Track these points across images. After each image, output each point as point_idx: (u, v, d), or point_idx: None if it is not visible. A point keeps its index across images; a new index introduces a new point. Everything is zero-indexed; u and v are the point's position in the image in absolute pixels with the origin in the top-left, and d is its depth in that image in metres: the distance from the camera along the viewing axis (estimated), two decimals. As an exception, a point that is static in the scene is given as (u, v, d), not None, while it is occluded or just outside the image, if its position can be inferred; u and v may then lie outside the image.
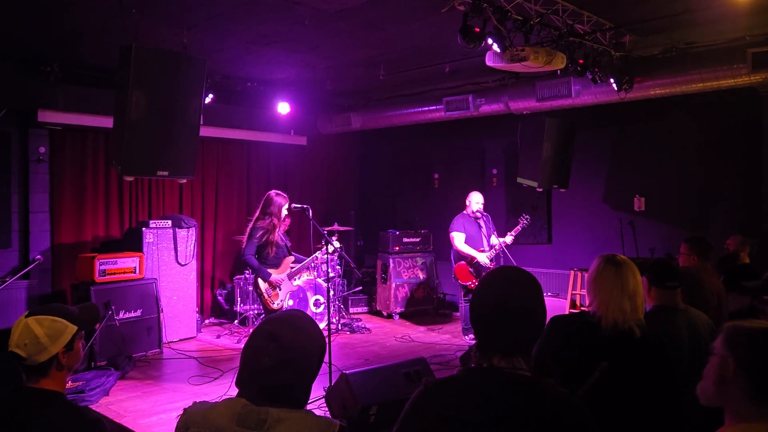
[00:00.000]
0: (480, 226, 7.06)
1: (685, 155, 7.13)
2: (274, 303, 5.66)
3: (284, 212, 5.64)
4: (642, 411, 2.27)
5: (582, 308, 7.31)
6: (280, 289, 5.69)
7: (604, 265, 2.47)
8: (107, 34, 5.55)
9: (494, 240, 6.98)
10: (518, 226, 6.98)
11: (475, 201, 7.06)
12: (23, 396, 1.94)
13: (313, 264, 6.49)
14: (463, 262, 7.00)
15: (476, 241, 7.01)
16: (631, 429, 2.25)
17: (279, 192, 5.66)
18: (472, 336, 6.90)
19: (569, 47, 5.32)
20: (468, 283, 6.97)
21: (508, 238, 6.93)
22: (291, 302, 7.41)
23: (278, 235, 5.62)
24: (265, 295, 5.56)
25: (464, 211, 7.14)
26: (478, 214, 7.03)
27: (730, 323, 1.63)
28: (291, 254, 5.89)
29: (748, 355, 1.52)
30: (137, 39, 4.74)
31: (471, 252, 6.90)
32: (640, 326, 2.38)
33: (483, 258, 6.87)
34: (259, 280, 5.56)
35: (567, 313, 7.22)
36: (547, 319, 1.76)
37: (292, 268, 5.86)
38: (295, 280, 5.99)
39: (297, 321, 1.67)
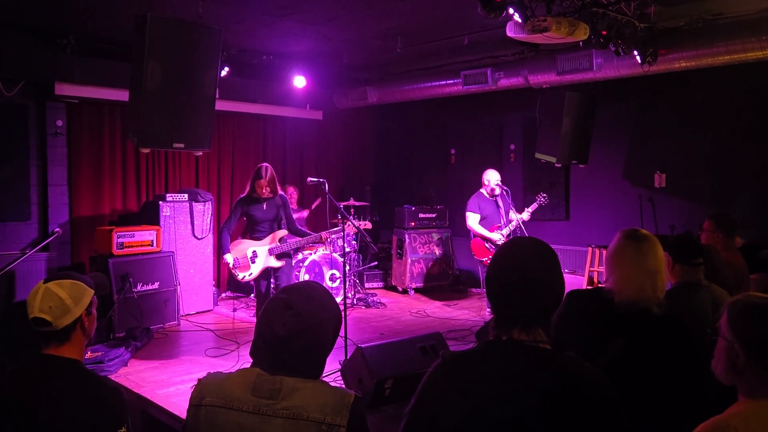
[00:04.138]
0: (498, 205, 6.93)
1: (708, 130, 6.96)
2: (239, 275, 5.50)
3: (259, 190, 5.46)
4: (661, 390, 2.23)
5: (599, 285, 7.24)
6: (253, 263, 5.49)
7: (625, 241, 2.39)
8: (123, 4, 5.50)
9: (513, 215, 6.90)
10: (535, 204, 6.89)
11: (494, 179, 6.86)
12: (42, 364, 1.95)
13: (311, 244, 6.17)
14: (479, 238, 6.98)
15: (493, 220, 6.91)
16: (650, 408, 2.22)
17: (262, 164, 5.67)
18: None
19: (592, 18, 5.18)
20: (484, 259, 6.93)
21: (525, 215, 6.84)
22: (307, 276, 7.43)
23: (263, 206, 5.54)
24: (230, 265, 5.48)
25: (481, 190, 6.98)
26: (497, 191, 6.87)
27: (732, 299, 1.61)
28: (285, 228, 5.69)
29: (753, 338, 1.50)
30: (152, 9, 4.69)
31: (484, 233, 6.84)
32: (660, 305, 2.31)
33: (497, 236, 6.81)
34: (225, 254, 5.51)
35: (584, 288, 7.18)
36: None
37: (280, 241, 5.61)
38: (277, 255, 5.60)
39: (313, 291, 1.66)
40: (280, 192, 5.71)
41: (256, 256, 5.54)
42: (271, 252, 5.56)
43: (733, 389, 1.56)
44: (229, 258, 5.48)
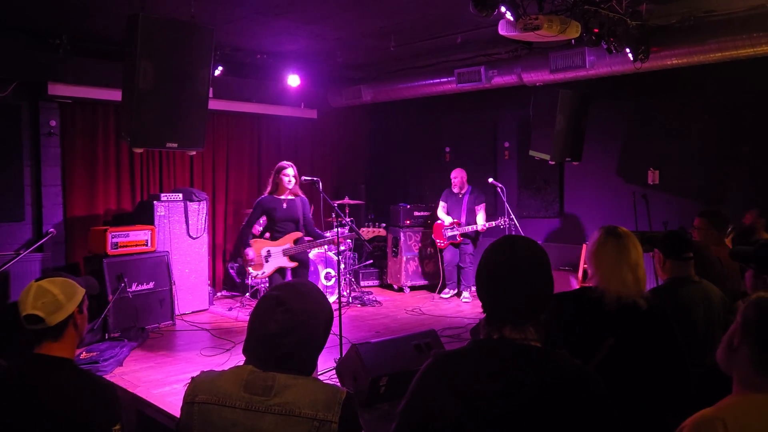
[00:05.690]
0: (462, 202, 7.86)
1: (701, 127, 6.99)
2: (252, 272, 5.56)
3: (285, 180, 5.53)
4: (651, 383, 2.25)
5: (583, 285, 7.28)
6: (267, 261, 5.54)
7: (605, 238, 2.43)
8: (116, 4, 5.49)
9: (479, 217, 7.74)
10: (493, 222, 7.57)
11: (461, 178, 7.95)
12: (35, 364, 1.95)
13: (324, 246, 6.35)
14: (439, 222, 8.08)
15: (453, 213, 7.98)
16: (641, 402, 2.23)
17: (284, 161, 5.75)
18: (446, 291, 7.90)
19: (584, 16, 5.18)
20: (438, 241, 8.05)
21: (480, 225, 7.64)
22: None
23: (283, 206, 5.57)
24: (246, 257, 5.51)
25: (452, 187, 8.00)
26: (464, 189, 7.88)
27: (758, 293, 1.62)
28: (302, 230, 5.69)
29: (751, 323, 1.51)
30: (145, 9, 4.69)
31: (443, 216, 8.00)
32: (645, 298, 2.34)
33: (447, 220, 7.91)
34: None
35: (569, 291, 7.20)
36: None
37: (295, 242, 5.64)
38: (291, 256, 5.63)
39: (304, 288, 1.67)
40: (301, 194, 5.73)
41: (269, 256, 5.55)
42: (285, 252, 5.58)
43: (715, 385, 1.57)
44: (249, 252, 5.52)
